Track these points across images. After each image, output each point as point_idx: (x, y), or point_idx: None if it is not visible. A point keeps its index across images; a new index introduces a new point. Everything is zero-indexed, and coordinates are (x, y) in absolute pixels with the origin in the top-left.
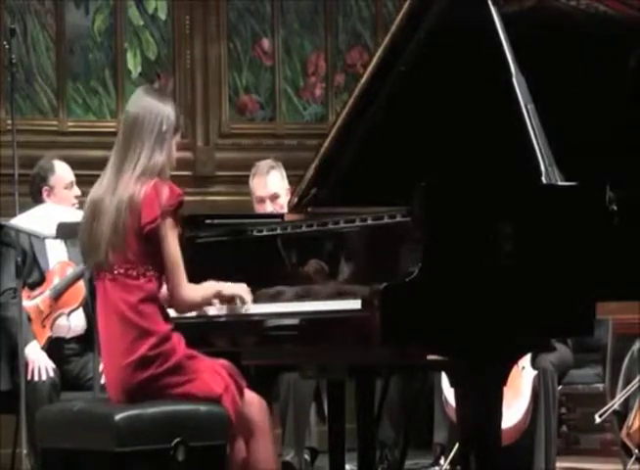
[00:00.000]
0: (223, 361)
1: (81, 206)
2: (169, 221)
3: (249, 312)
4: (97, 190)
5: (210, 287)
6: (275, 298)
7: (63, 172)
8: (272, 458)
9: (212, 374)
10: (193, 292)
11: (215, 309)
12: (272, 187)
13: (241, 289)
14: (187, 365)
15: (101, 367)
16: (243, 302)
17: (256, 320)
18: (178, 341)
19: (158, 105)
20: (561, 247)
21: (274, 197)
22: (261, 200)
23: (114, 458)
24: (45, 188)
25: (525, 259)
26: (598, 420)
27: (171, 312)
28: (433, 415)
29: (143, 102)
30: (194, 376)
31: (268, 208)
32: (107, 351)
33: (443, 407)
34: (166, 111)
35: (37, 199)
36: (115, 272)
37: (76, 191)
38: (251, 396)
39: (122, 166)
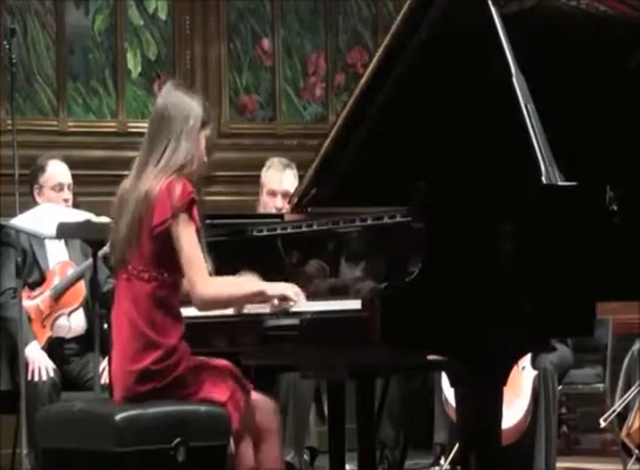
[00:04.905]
0: (228, 364)
1: (76, 207)
2: (182, 218)
3: (296, 310)
4: (124, 185)
5: (247, 284)
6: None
7: (53, 173)
8: (279, 458)
9: (215, 383)
10: (213, 288)
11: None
12: (286, 184)
13: (289, 289)
14: (189, 378)
15: (101, 367)
16: (292, 301)
17: (256, 320)
18: (184, 352)
19: (185, 99)
20: (561, 247)
21: (285, 194)
22: (273, 193)
23: (114, 458)
24: (35, 187)
25: (524, 259)
26: (603, 424)
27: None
28: (433, 415)
29: (171, 97)
30: (196, 388)
31: (278, 203)
32: (115, 350)
33: (443, 407)
34: (193, 105)
35: (32, 197)
36: (130, 272)
37: (66, 195)
38: (257, 398)
39: (147, 161)
